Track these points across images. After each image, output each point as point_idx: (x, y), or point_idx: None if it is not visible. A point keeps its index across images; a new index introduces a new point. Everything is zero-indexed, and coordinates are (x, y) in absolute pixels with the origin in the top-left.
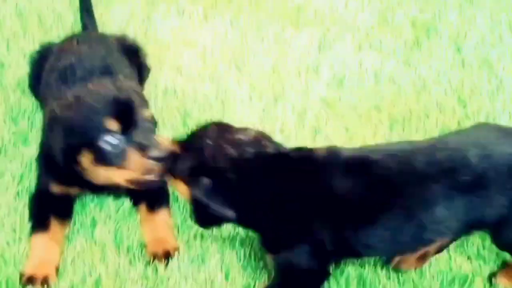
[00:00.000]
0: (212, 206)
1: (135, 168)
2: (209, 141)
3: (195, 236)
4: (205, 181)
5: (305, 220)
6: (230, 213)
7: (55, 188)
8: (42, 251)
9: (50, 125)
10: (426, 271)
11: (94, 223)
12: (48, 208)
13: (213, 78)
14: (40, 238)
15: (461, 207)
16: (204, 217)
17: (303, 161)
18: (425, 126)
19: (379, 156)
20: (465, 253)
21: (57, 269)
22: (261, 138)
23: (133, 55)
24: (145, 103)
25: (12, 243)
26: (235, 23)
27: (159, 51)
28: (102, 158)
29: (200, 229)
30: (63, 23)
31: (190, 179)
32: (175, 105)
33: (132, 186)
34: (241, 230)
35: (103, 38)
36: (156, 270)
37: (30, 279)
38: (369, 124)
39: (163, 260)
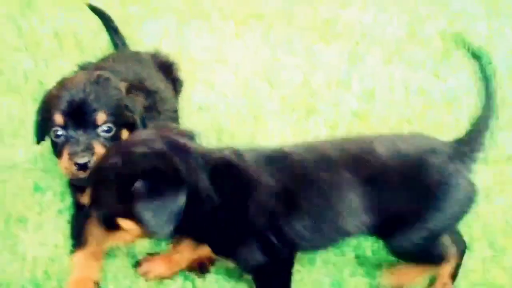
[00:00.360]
0: (162, 202)
1: (63, 166)
2: (113, 157)
3: None
4: (138, 184)
5: (239, 217)
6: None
7: (82, 198)
8: (81, 268)
9: None
10: (460, 283)
11: None
12: (86, 225)
13: (245, 93)
14: (80, 256)
15: (371, 198)
16: (162, 219)
17: (227, 160)
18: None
19: (294, 149)
20: (500, 264)
21: (97, 285)
22: (163, 133)
23: (167, 70)
24: (111, 106)
25: (55, 259)
26: (265, 38)
27: (192, 68)
28: (52, 146)
29: None
30: (99, 43)
31: (124, 200)
32: (209, 121)
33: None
34: None
35: (138, 55)
36: (194, 283)
37: None
38: None
39: (199, 273)
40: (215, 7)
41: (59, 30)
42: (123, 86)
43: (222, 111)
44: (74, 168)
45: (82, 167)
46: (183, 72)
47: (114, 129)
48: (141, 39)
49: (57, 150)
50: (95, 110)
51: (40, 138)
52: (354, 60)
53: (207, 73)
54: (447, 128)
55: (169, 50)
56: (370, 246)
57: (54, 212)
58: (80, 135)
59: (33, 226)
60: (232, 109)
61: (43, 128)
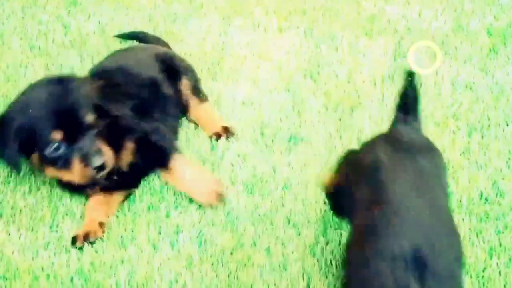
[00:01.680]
0: None
1: (78, 176)
2: None
3: (275, 244)
4: None
5: None
6: None
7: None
8: (90, 212)
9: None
10: None
11: (177, 231)
12: None
13: (288, 89)
14: (92, 200)
15: None
16: None
17: None
18: (505, 133)
19: None
20: None
21: (103, 225)
22: None
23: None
24: (88, 104)
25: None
26: (309, 34)
27: (235, 64)
28: (50, 162)
29: (282, 237)
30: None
31: None
32: (253, 117)
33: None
34: (321, 238)
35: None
36: (239, 277)
37: (74, 240)
38: (447, 132)
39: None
40: (258, 3)
41: (105, 27)
42: (91, 81)
43: (266, 107)
44: (92, 172)
45: (100, 168)
46: (227, 69)
47: (101, 123)
48: (184, 37)
49: (60, 163)
50: (82, 114)
51: (20, 168)
52: (399, 55)
53: (250, 69)
54: (495, 122)
55: (213, 47)
56: None
57: None
58: (81, 141)
59: None
60: (276, 104)
61: (27, 151)
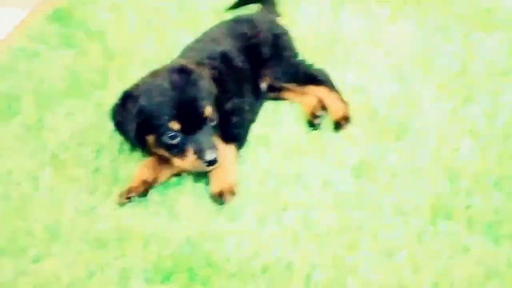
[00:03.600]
0: None
1: (189, 165)
2: None
3: (382, 230)
4: None
5: None
6: None
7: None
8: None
9: (126, 100)
10: None
11: (284, 208)
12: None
13: (400, 78)
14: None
15: None
16: None
17: None
18: None
19: None
20: None
21: (147, 183)
22: None
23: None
24: (208, 97)
25: None
26: (422, 24)
27: (346, 49)
28: (164, 146)
29: (388, 223)
30: None
31: None
32: (362, 102)
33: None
34: (426, 226)
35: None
36: (344, 260)
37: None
38: None
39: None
40: None
41: (219, 6)
42: (204, 71)
43: (375, 94)
44: (204, 165)
45: (212, 162)
46: (338, 54)
47: (216, 116)
48: (297, 20)
49: (173, 150)
50: (202, 107)
51: (142, 145)
52: None
53: (361, 55)
54: None
55: (324, 32)
56: None
57: None
58: (199, 134)
59: None
60: (386, 91)
61: (145, 130)
